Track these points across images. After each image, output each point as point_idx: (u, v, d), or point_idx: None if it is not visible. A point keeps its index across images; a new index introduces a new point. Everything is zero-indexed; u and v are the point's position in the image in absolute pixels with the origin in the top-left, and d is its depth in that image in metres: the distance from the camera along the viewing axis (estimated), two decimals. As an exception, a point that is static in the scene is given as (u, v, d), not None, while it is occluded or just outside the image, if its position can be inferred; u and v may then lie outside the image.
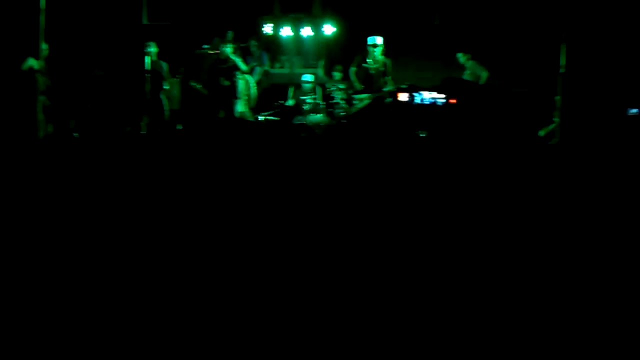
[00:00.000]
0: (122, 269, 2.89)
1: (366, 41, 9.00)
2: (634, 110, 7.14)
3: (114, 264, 2.96)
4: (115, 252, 3.15)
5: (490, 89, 8.75)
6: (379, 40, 9.01)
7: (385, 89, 8.93)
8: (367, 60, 9.07)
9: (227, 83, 9.29)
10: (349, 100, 9.60)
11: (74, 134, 8.71)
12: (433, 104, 7.69)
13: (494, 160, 6.23)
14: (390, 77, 9.13)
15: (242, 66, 9.44)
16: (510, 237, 3.52)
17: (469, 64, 9.62)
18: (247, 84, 9.57)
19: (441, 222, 3.88)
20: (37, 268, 2.90)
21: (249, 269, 2.92)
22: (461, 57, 9.66)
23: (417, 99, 7.75)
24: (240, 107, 9.41)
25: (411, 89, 7.90)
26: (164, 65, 9.47)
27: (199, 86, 9.67)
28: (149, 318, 2.33)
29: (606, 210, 4.16)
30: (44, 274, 2.83)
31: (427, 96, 7.75)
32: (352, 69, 9.16)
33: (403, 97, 7.82)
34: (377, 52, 8.99)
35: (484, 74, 9.44)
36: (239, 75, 9.31)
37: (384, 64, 9.10)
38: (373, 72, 9.09)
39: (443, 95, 7.66)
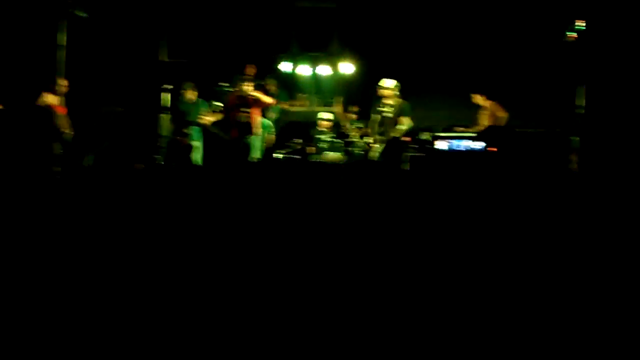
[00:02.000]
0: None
1: (380, 84, 9.06)
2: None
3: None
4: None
5: (530, 136, 8.65)
6: (392, 83, 9.02)
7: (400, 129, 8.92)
8: (382, 103, 9.09)
9: (245, 120, 9.28)
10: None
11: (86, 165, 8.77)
12: (470, 152, 7.65)
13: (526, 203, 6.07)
14: (408, 118, 9.05)
15: (266, 99, 9.43)
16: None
17: (488, 104, 9.51)
18: (262, 123, 9.57)
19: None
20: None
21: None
22: (479, 98, 9.56)
23: (454, 146, 7.70)
24: (257, 143, 9.38)
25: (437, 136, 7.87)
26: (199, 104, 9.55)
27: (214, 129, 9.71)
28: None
29: (623, 254, 4.02)
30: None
31: (463, 144, 7.71)
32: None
33: (441, 144, 7.78)
34: (393, 95, 8.99)
35: (502, 115, 9.33)
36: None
37: (400, 107, 9.02)
38: (389, 115, 9.06)
39: (483, 143, 7.61)
